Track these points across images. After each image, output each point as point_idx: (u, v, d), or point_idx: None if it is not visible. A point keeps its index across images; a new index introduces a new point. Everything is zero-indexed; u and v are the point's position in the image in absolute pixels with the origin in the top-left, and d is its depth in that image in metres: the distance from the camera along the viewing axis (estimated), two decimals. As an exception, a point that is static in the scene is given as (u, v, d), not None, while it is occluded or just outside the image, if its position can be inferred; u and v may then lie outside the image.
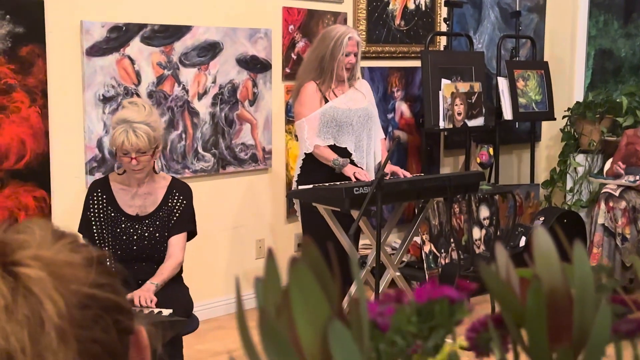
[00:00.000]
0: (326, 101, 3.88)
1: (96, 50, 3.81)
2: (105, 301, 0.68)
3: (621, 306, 0.54)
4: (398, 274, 3.81)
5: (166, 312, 2.90)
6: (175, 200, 3.16)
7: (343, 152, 3.85)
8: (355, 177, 3.72)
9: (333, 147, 3.86)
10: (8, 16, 3.53)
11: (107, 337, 0.67)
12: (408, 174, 3.95)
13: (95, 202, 3.11)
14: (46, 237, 0.69)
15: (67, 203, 3.77)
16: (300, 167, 3.92)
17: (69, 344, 0.64)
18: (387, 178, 3.76)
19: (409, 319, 0.48)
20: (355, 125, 3.90)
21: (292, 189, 3.97)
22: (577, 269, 0.50)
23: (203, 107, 4.25)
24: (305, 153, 3.87)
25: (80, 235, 0.77)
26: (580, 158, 5.75)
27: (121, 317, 0.70)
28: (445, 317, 0.50)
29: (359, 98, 3.97)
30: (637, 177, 4.94)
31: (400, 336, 0.48)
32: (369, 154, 3.95)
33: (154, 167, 3.12)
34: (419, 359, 0.49)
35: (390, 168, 3.92)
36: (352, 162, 3.84)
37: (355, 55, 3.90)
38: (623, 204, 4.90)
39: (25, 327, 0.63)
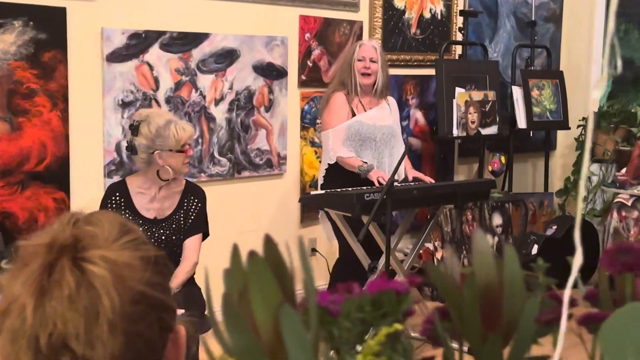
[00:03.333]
0: (354, 114, 3.99)
1: (116, 57, 3.91)
2: (153, 299, 0.77)
3: (556, 302, 0.61)
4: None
5: (179, 312, 2.98)
6: (190, 203, 3.25)
7: None
8: (379, 182, 3.79)
9: None
10: (31, 23, 3.64)
11: (150, 333, 0.76)
12: (430, 180, 4.00)
13: (114, 205, 3.21)
14: (113, 233, 0.79)
15: (86, 205, 3.87)
16: (323, 177, 4.02)
17: (117, 336, 0.73)
18: (413, 184, 3.85)
19: (364, 307, 0.55)
20: (378, 142, 4.01)
21: (319, 191, 4.07)
22: (507, 267, 0.56)
23: (220, 113, 4.34)
24: (328, 163, 3.97)
25: (141, 232, 0.87)
26: (594, 167, 5.78)
27: (165, 315, 0.79)
28: (392, 306, 0.56)
29: (385, 115, 4.08)
30: (650, 187, 4.97)
31: (349, 321, 0.55)
32: (391, 170, 4.02)
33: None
34: (370, 344, 0.56)
35: (413, 174, 4.00)
36: None
37: (373, 61, 3.99)
38: (635, 213, 4.93)
39: (82, 317, 0.72)
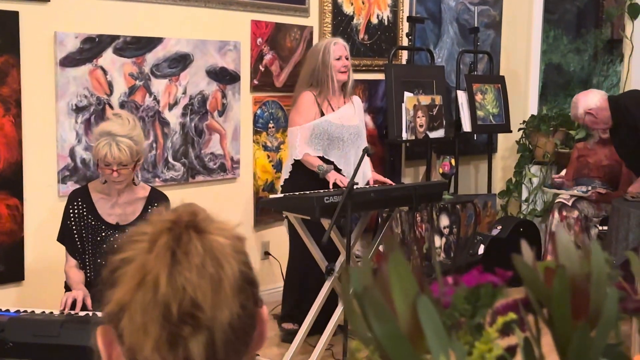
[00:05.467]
0: (322, 114, 4.05)
1: (69, 61, 3.86)
2: (249, 275, 0.84)
3: (623, 291, 0.67)
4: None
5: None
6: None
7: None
8: (335, 185, 3.85)
9: (322, 159, 4.04)
10: (-17, 26, 3.57)
11: (249, 305, 0.83)
12: (391, 183, 4.11)
13: (76, 211, 3.16)
14: (209, 215, 0.85)
15: (40, 211, 3.81)
16: (289, 172, 4.07)
17: (236, 302, 0.78)
18: (369, 186, 3.94)
19: (469, 299, 0.60)
20: (346, 141, 4.09)
21: (278, 194, 4.10)
22: (594, 261, 0.62)
23: (173, 117, 4.33)
24: (295, 159, 4.02)
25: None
26: (535, 169, 5.97)
27: (255, 290, 0.85)
28: (489, 298, 0.62)
29: (351, 114, 4.16)
30: (589, 188, 5.17)
31: (457, 312, 0.60)
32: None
33: (133, 179, 3.19)
34: (463, 334, 0.61)
35: (375, 177, 4.10)
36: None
37: (347, 58, 4.08)
38: (576, 213, 5.12)
39: (209, 283, 0.79)
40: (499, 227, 5.37)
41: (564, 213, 5.16)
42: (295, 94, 4.20)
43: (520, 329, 0.65)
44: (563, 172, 5.55)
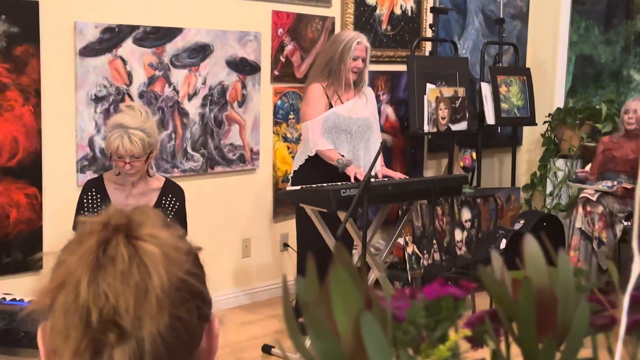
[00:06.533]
0: (331, 106, 4.01)
1: (89, 51, 3.87)
2: (193, 288, 0.80)
3: (597, 304, 0.64)
4: (382, 274, 3.90)
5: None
6: (169, 202, 3.22)
7: None
8: (356, 179, 3.82)
9: None
10: (3, 16, 3.59)
11: (190, 319, 0.79)
12: (401, 176, 4.07)
13: (90, 201, 3.17)
14: (159, 221, 0.81)
15: (58, 200, 3.83)
16: (300, 166, 4.04)
17: (164, 314, 0.75)
18: (381, 179, 3.89)
19: (420, 312, 0.57)
20: (353, 134, 4.05)
21: (288, 186, 4.08)
22: (561, 273, 0.59)
23: (193, 108, 4.32)
24: (308, 155, 3.98)
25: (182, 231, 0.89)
26: (560, 163, 5.88)
27: (202, 305, 0.82)
28: (450, 311, 0.59)
29: (362, 107, 4.11)
30: (614, 183, 5.08)
31: (413, 327, 0.57)
32: (366, 163, 4.05)
33: (147, 171, 3.19)
34: (425, 348, 0.59)
35: (384, 171, 4.05)
36: None
37: (364, 60, 4.06)
38: (600, 208, 5.03)
39: (133, 292, 0.75)
40: (522, 222, 5.30)
41: (589, 208, 5.07)
42: (306, 83, 4.17)
43: (492, 341, 0.62)
44: (588, 167, 5.46)
